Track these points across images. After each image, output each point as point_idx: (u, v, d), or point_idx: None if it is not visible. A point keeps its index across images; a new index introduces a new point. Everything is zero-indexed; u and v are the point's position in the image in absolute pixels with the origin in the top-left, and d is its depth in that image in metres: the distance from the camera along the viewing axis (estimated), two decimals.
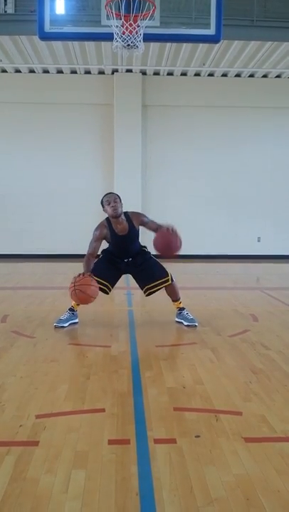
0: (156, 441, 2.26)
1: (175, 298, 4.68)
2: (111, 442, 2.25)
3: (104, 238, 4.48)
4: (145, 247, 4.65)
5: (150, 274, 4.51)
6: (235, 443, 2.24)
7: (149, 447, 2.20)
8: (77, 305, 4.58)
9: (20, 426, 2.40)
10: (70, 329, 4.47)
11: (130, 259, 4.55)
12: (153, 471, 1.99)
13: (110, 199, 4.36)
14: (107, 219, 4.45)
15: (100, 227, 4.48)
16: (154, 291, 4.54)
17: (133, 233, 4.45)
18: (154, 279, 4.46)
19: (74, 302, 4.56)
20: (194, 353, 3.72)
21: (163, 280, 4.50)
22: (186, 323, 4.59)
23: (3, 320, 4.81)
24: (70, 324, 4.53)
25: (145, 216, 4.54)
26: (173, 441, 2.26)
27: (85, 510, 1.74)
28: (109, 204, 4.34)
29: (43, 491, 1.85)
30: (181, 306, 4.72)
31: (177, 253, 4.28)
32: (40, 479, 1.93)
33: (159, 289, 4.52)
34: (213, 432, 2.35)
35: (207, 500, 1.80)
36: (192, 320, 4.61)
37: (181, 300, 4.73)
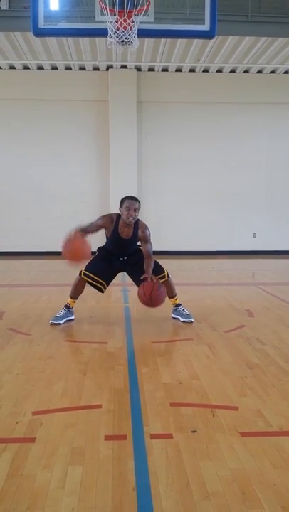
0: (153, 436, 2.27)
1: (171, 294, 4.68)
2: (107, 438, 2.25)
3: (105, 229, 4.45)
4: (140, 245, 4.64)
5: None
6: (231, 437, 2.25)
7: (145, 443, 2.20)
8: (73, 302, 4.59)
9: (17, 423, 2.40)
10: (66, 326, 4.47)
11: (125, 257, 4.55)
12: (149, 467, 2.00)
13: (131, 206, 4.30)
14: (118, 216, 4.41)
15: (107, 218, 4.44)
16: None
17: (134, 239, 4.45)
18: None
19: (70, 300, 4.58)
20: (190, 349, 3.73)
21: (159, 277, 4.49)
22: (182, 319, 4.60)
23: None
24: (66, 321, 4.53)
25: (149, 232, 4.47)
26: (169, 436, 2.27)
27: (82, 505, 1.75)
28: (128, 210, 4.28)
29: (39, 487, 1.85)
30: (177, 302, 4.73)
31: (160, 303, 4.28)
32: (37, 475, 1.93)
33: None
34: (210, 427, 2.36)
35: (203, 494, 1.81)
36: (188, 316, 4.62)
37: (177, 296, 4.73)
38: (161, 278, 4.52)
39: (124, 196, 4.43)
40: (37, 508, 1.73)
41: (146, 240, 4.44)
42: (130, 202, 4.34)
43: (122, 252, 4.53)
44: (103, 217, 4.47)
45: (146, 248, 4.42)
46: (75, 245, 4.10)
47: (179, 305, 4.73)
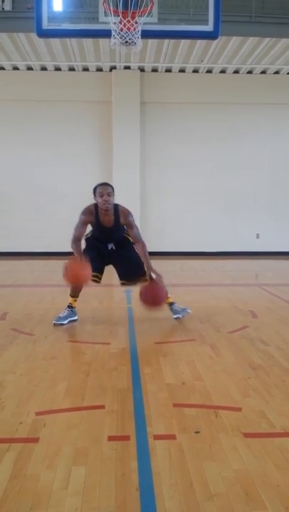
0: (156, 437, 2.26)
1: None
2: (111, 438, 2.25)
3: (90, 223, 4.46)
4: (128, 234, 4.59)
5: (130, 269, 4.49)
6: (234, 438, 2.25)
7: (148, 443, 2.20)
8: (75, 301, 4.60)
9: (20, 423, 2.41)
10: (69, 326, 4.47)
11: (113, 246, 4.54)
12: (153, 467, 2.00)
13: (104, 191, 4.30)
14: (96, 205, 4.40)
15: (86, 212, 4.42)
16: (129, 285, 4.70)
17: (117, 226, 4.42)
18: (133, 276, 4.50)
19: (72, 299, 4.59)
20: (193, 350, 3.73)
21: (142, 278, 4.46)
22: (181, 315, 4.63)
23: (3, 317, 4.82)
24: (69, 322, 4.53)
25: (132, 217, 4.44)
26: (172, 437, 2.27)
27: (85, 506, 1.75)
28: (102, 196, 4.29)
29: (43, 488, 1.85)
30: (170, 300, 4.69)
31: (160, 305, 4.39)
32: (41, 476, 1.93)
33: (134, 284, 4.58)
34: (213, 428, 2.36)
35: (207, 495, 1.81)
36: (184, 309, 4.67)
37: (169, 295, 4.65)
38: (144, 280, 4.46)
39: (94, 186, 4.42)
40: (40, 509, 1.73)
41: (130, 226, 4.40)
42: (102, 187, 4.34)
43: (108, 238, 4.52)
44: (83, 212, 4.43)
45: (133, 234, 4.41)
46: (75, 270, 4.15)
47: (173, 303, 4.70)
